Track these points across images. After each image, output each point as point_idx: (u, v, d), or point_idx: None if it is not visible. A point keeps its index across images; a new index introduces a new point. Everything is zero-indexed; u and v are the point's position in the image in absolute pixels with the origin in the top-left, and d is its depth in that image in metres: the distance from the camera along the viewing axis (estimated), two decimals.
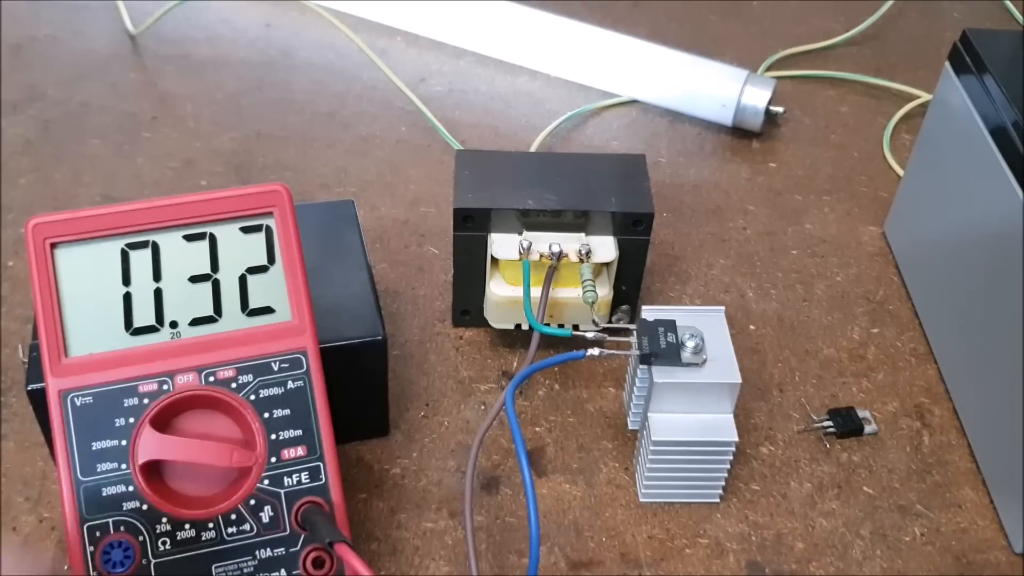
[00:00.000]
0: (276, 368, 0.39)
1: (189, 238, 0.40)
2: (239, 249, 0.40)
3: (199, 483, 0.38)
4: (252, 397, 0.39)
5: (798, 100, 0.72)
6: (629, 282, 0.51)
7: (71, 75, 0.71)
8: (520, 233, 0.49)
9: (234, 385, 0.39)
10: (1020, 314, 0.45)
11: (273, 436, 0.39)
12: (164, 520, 0.37)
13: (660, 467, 0.45)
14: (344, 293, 0.46)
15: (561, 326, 0.51)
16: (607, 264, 0.50)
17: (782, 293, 0.58)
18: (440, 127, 0.67)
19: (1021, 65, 0.49)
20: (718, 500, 0.47)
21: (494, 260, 0.50)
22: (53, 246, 0.38)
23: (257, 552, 0.38)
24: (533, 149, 0.66)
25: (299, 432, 0.39)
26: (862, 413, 0.51)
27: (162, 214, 0.39)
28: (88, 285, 0.39)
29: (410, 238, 0.60)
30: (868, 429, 0.50)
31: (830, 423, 0.50)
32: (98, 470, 0.37)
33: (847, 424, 0.50)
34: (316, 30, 0.76)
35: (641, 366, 0.45)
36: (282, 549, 0.38)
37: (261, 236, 0.40)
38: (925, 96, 0.71)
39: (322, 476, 0.39)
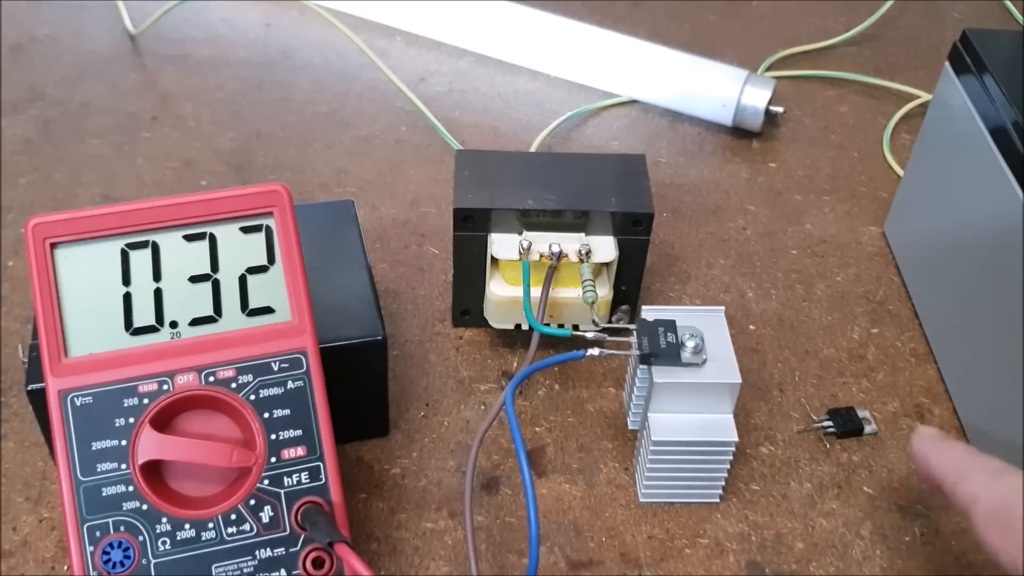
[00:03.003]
0: (276, 368, 0.39)
1: (189, 238, 0.40)
2: (239, 249, 0.40)
3: (199, 483, 0.38)
4: (252, 397, 0.39)
5: (798, 100, 0.72)
6: (629, 282, 0.51)
7: (71, 75, 0.71)
8: (520, 233, 0.49)
9: (234, 385, 0.39)
10: (1020, 314, 0.45)
11: (273, 436, 0.39)
12: (164, 520, 0.37)
13: (660, 467, 0.45)
14: (344, 293, 0.46)
15: (561, 326, 0.51)
16: (607, 264, 0.50)
17: (782, 293, 0.58)
18: (440, 127, 0.67)
19: (1021, 65, 0.49)
20: (718, 500, 0.47)
21: (494, 260, 0.50)
22: (53, 246, 0.38)
23: (257, 552, 0.38)
24: (533, 149, 0.66)
25: (299, 432, 0.39)
26: (862, 413, 0.51)
27: (162, 214, 0.39)
28: (88, 285, 0.39)
29: (410, 238, 0.60)
30: (868, 429, 0.50)
31: (830, 423, 0.50)
32: (98, 470, 0.37)
33: (847, 424, 0.50)
34: (316, 30, 0.76)
35: (641, 366, 0.45)
36: (282, 549, 0.38)
37: (261, 236, 0.40)
38: (925, 96, 0.71)
39: (322, 476, 0.39)
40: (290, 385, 0.39)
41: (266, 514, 0.38)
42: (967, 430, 0.51)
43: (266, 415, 0.39)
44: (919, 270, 0.57)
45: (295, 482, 0.39)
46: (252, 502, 0.38)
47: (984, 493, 0.37)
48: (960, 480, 0.38)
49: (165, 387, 0.38)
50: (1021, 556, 0.35)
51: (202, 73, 0.72)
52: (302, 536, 0.38)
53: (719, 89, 0.67)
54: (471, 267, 0.51)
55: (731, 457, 0.45)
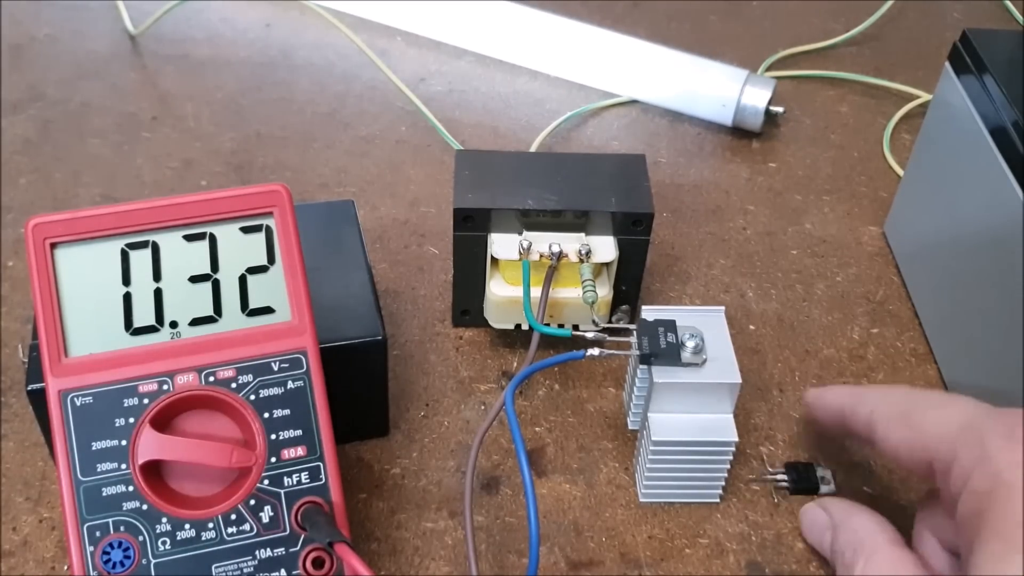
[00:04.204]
0: (276, 368, 0.39)
1: (189, 238, 0.40)
2: (239, 249, 0.40)
3: (199, 483, 0.38)
4: (252, 397, 0.39)
5: (798, 100, 0.72)
6: (629, 282, 0.51)
7: (71, 75, 0.71)
8: (520, 233, 0.49)
9: (234, 385, 0.39)
10: (1020, 314, 0.45)
11: (273, 436, 0.39)
12: (164, 520, 0.37)
13: (660, 467, 0.45)
14: (344, 293, 0.46)
15: (561, 326, 0.51)
16: (607, 264, 0.50)
17: (782, 293, 0.58)
18: (440, 127, 0.67)
19: (1021, 65, 0.49)
20: (718, 500, 0.47)
21: (494, 260, 0.50)
22: (53, 246, 0.38)
23: (257, 552, 0.38)
24: (533, 149, 0.66)
25: (299, 432, 0.39)
26: (821, 472, 0.48)
27: (162, 214, 0.39)
28: (88, 285, 0.39)
29: (410, 238, 0.60)
30: (824, 489, 0.47)
31: (784, 477, 0.48)
32: (98, 470, 0.37)
33: (802, 481, 0.47)
34: (316, 30, 0.76)
35: (641, 366, 0.45)
36: (282, 549, 0.38)
37: (261, 236, 0.40)
38: (925, 96, 0.71)
39: (322, 476, 0.39)
40: (290, 385, 0.39)
41: (266, 514, 0.38)
42: None
43: (266, 415, 0.39)
44: (919, 270, 0.57)
45: (295, 482, 0.39)
46: (252, 502, 0.38)
47: (881, 402, 0.41)
48: (856, 403, 0.42)
49: (165, 387, 0.38)
50: (922, 448, 0.38)
51: (202, 73, 0.72)
52: (302, 536, 0.38)
53: (719, 89, 0.67)
54: (471, 267, 0.51)
55: (731, 457, 0.45)
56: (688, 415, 0.45)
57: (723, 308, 0.47)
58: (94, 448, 0.37)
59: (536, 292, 0.48)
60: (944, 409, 0.38)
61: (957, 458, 0.36)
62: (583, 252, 0.48)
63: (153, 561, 0.37)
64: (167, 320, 0.39)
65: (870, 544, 0.40)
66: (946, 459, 0.37)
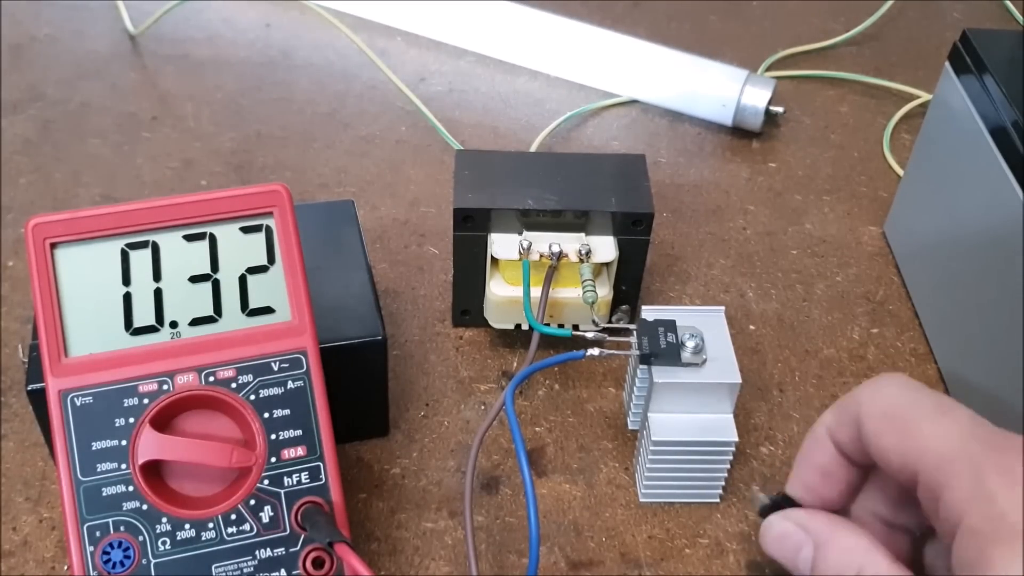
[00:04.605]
0: (276, 368, 0.39)
1: (189, 238, 0.40)
2: (239, 249, 0.40)
3: (199, 483, 0.38)
4: (252, 397, 0.39)
5: (798, 100, 0.72)
6: (629, 282, 0.51)
7: (71, 75, 0.71)
8: (520, 233, 0.49)
9: (234, 385, 0.39)
10: (1020, 314, 0.45)
11: (273, 436, 0.39)
12: (164, 520, 0.37)
13: (660, 467, 0.45)
14: (344, 293, 0.46)
15: (561, 326, 0.51)
16: (607, 264, 0.50)
17: (782, 293, 0.58)
18: (440, 127, 0.67)
19: (1021, 65, 0.49)
20: (718, 500, 0.47)
21: (494, 260, 0.50)
22: (53, 246, 0.38)
23: (257, 552, 0.38)
24: (533, 149, 0.66)
25: (299, 432, 0.39)
26: None
27: (162, 214, 0.39)
28: (88, 285, 0.39)
29: (410, 238, 0.60)
30: None
31: (765, 505, 0.44)
32: (98, 470, 0.37)
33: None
34: (316, 30, 0.76)
35: (641, 366, 0.45)
36: (282, 549, 0.38)
37: (261, 236, 0.40)
38: (925, 96, 0.71)
39: (322, 476, 0.39)
40: (290, 385, 0.39)
41: (266, 514, 0.38)
42: None
43: (266, 415, 0.39)
44: (919, 270, 0.57)
45: (295, 482, 0.39)
46: (252, 502, 0.38)
47: (872, 398, 0.37)
48: (842, 407, 0.39)
49: (165, 387, 0.38)
50: (914, 461, 0.35)
51: (202, 73, 0.72)
52: (302, 536, 0.38)
53: (719, 89, 0.67)
54: (471, 267, 0.51)
55: (731, 457, 0.45)
56: (688, 415, 0.45)
57: (723, 308, 0.47)
58: (94, 448, 0.37)
59: (536, 292, 0.48)
60: (939, 423, 0.35)
61: (949, 486, 0.34)
62: (583, 252, 0.48)
63: (153, 561, 0.37)
64: (167, 320, 0.39)
65: (871, 567, 0.37)
66: (934, 480, 0.34)
